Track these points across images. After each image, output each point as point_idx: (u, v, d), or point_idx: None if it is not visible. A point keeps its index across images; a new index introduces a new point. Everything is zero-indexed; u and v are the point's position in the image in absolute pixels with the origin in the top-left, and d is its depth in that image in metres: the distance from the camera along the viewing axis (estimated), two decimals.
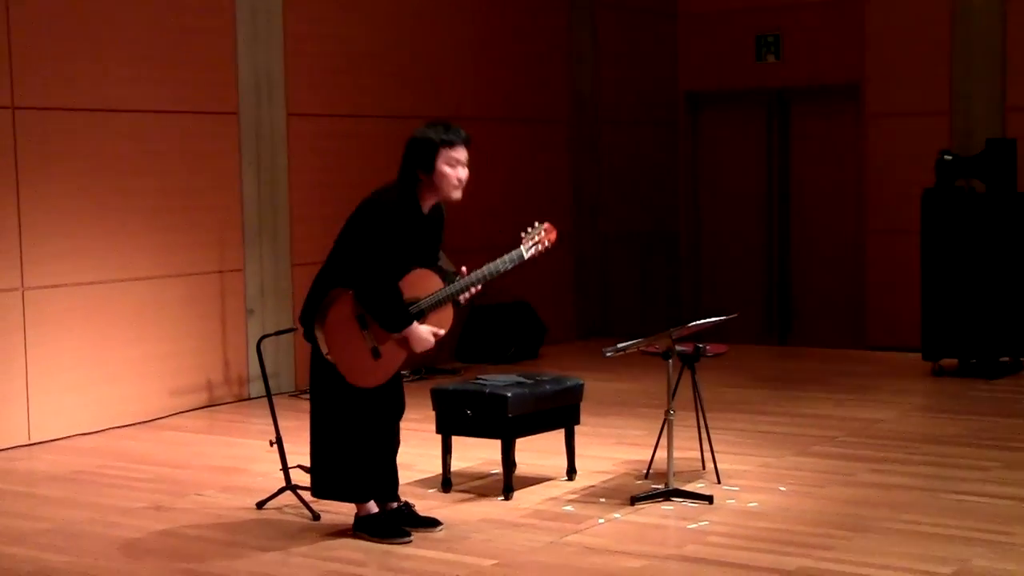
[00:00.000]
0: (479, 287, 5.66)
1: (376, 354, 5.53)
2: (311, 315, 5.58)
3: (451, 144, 5.54)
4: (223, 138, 8.95)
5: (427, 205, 5.62)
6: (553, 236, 5.75)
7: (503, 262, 5.64)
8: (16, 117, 7.77)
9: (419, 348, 5.55)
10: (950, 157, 9.67)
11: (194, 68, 8.75)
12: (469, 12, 10.85)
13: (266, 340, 6.80)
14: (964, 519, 5.80)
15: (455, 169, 5.55)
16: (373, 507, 5.73)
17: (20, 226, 7.80)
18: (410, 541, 5.63)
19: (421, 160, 5.53)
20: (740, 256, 12.90)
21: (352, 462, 5.63)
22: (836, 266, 12.38)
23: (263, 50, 9.15)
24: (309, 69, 9.43)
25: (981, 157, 9.73)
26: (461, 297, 5.63)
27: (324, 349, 5.49)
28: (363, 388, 5.55)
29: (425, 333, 5.54)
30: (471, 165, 5.64)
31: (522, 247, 5.68)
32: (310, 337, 5.59)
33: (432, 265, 5.66)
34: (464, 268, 5.68)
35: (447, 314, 5.65)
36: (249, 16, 9.05)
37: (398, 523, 5.73)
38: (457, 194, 5.58)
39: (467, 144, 5.60)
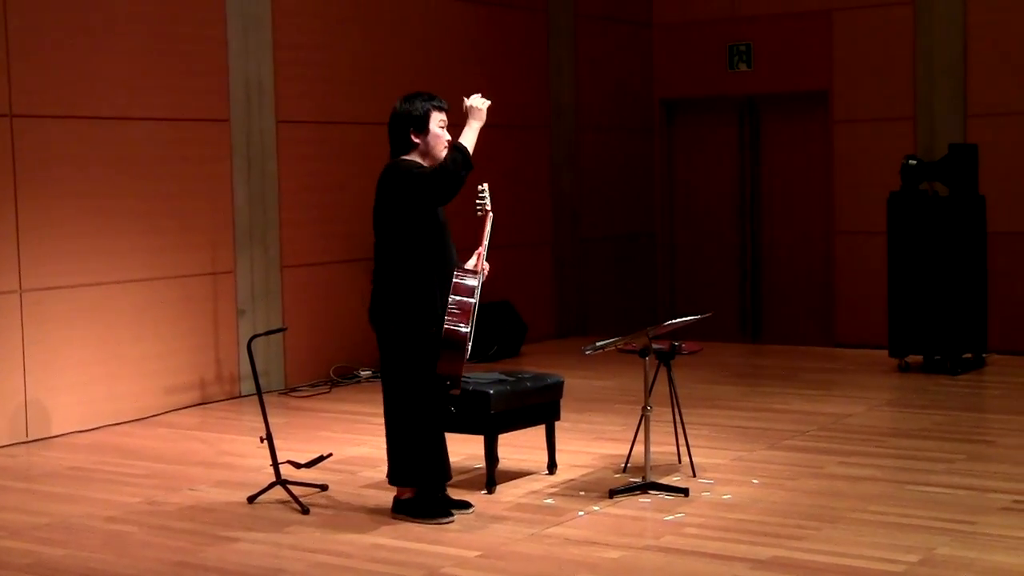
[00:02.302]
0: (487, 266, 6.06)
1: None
2: (384, 310, 5.83)
3: (440, 108, 5.88)
4: (215, 145, 8.99)
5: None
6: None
7: (488, 235, 6.02)
8: (14, 125, 7.83)
9: (482, 117, 5.83)
10: (914, 162, 9.74)
11: (187, 77, 8.79)
12: (453, 22, 10.88)
13: (257, 339, 6.82)
14: (929, 509, 5.90)
15: (443, 131, 5.87)
16: (410, 491, 5.94)
17: (18, 230, 7.85)
18: (452, 520, 5.83)
19: (416, 123, 5.83)
20: (714, 257, 12.94)
21: (428, 449, 5.85)
22: (806, 266, 12.44)
23: (254, 60, 9.19)
24: (298, 78, 9.48)
25: (944, 162, 9.80)
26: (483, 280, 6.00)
27: (458, 374, 5.82)
28: (430, 382, 5.83)
29: (473, 107, 5.82)
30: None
31: (490, 213, 6.01)
32: (384, 334, 5.84)
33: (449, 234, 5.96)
34: (479, 251, 5.99)
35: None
36: (240, 27, 9.10)
37: (441, 504, 5.93)
38: (446, 152, 5.86)
39: (447, 110, 5.93)
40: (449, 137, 5.88)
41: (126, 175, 8.50)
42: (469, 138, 5.77)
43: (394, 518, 5.96)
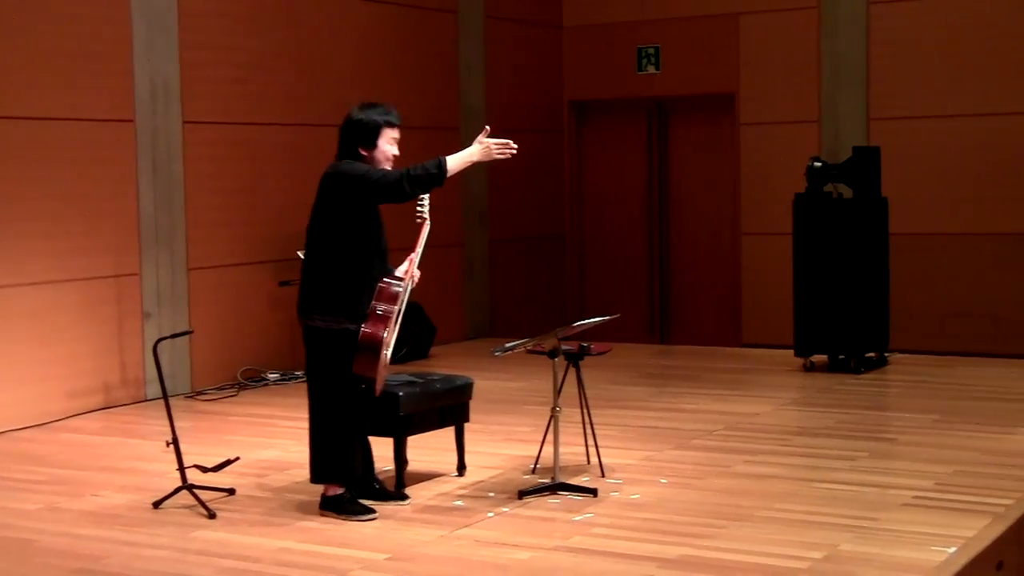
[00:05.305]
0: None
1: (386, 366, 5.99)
2: (311, 303, 5.90)
3: (392, 124, 5.97)
4: (120, 145, 8.90)
5: None
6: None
7: (423, 242, 6.10)
8: None
9: (485, 155, 5.91)
10: (819, 164, 9.88)
11: (91, 76, 8.69)
12: (362, 22, 10.84)
13: (162, 343, 6.79)
14: (834, 507, 5.98)
15: (392, 147, 5.96)
16: (339, 488, 6.00)
17: None
18: (375, 517, 5.92)
19: (365, 138, 5.92)
20: (623, 258, 13.02)
21: (348, 446, 5.94)
22: (713, 267, 12.56)
23: (159, 59, 9.11)
24: (204, 78, 9.41)
25: (848, 164, 9.94)
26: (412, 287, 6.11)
27: (371, 376, 5.87)
28: (355, 381, 5.91)
29: (482, 141, 5.90)
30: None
31: (427, 221, 6.06)
32: (310, 322, 5.91)
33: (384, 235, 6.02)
34: (412, 257, 6.08)
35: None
36: (145, 26, 9.01)
37: (362, 502, 6.04)
38: (389, 167, 5.97)
39: (400, 125, 6.02)
40: (397, 152, 5.96)
41: (28, 176, 8.38)
42: (457, 161, 5.84)
43: (321, 515, 5.99)
